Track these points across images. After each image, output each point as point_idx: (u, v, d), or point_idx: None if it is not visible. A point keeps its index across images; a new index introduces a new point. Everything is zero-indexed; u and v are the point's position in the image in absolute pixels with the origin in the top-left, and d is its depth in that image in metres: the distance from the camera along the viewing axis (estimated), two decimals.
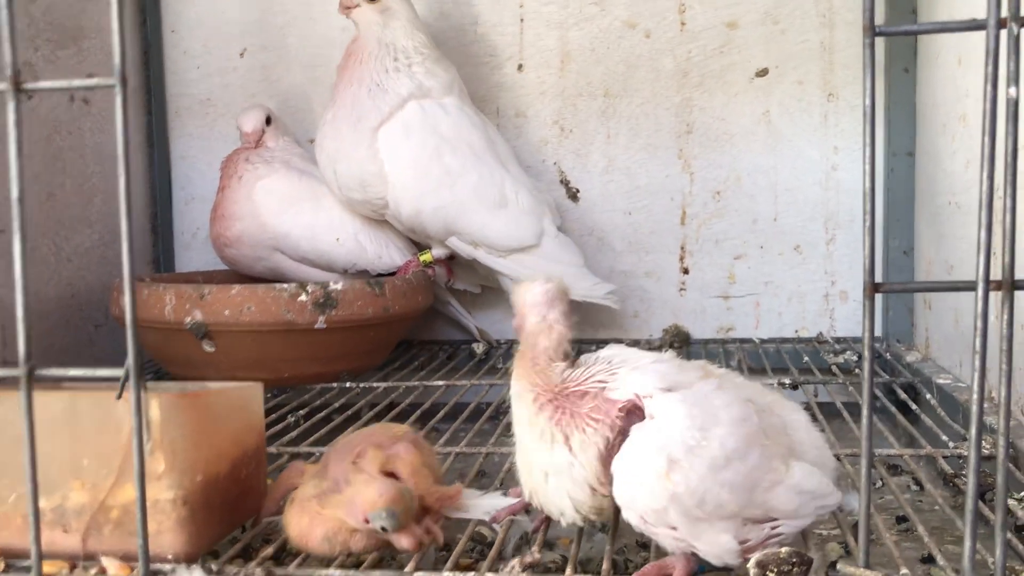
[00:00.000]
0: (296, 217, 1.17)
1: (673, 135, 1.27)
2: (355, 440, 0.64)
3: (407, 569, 0.54)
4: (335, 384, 1.06)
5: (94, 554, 0.56)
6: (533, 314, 0.60)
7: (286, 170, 1.19)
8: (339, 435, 0.85)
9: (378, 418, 0.92)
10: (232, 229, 1.18)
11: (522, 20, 1.29)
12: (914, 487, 0.82)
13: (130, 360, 0.52)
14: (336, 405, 0.98)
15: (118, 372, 0.52)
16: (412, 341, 1.30)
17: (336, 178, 1.15)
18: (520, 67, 1.30)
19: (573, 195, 1.30)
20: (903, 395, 0.98)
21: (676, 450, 0.51)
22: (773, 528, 0.52)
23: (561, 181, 1.30)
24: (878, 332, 1.24)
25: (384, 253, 1.20)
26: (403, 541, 0.57)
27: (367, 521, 0.56)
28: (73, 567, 0.55)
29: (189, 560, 0.55)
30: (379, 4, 1.13)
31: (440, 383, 1.05)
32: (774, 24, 1.24)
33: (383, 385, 1.05)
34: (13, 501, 0.57)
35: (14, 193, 0.52)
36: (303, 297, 0.99)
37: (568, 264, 1.18)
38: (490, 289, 1.29)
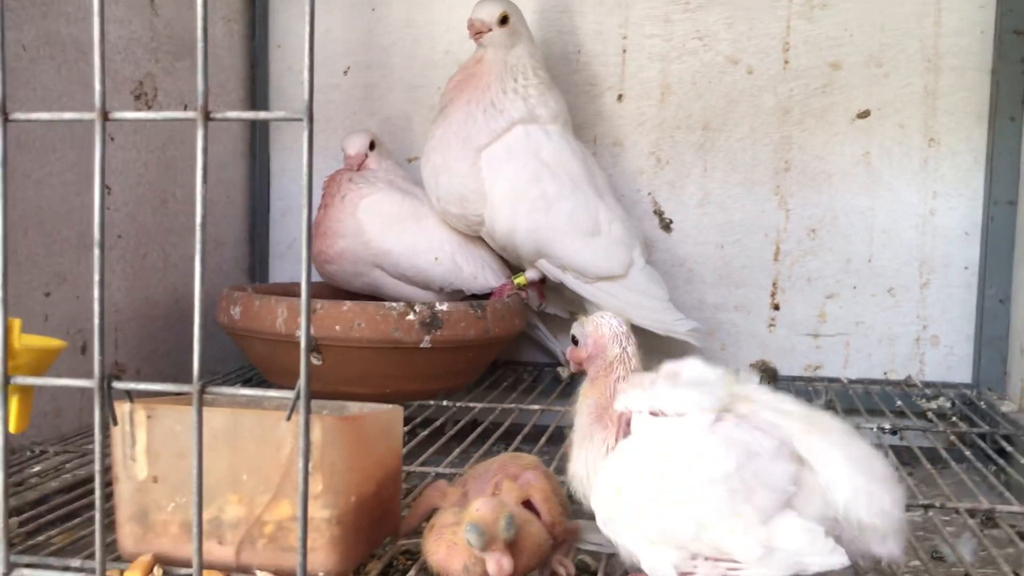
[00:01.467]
0: (398, 236, 1.19)
1: (771, 171, 1.27)
2: (491, 469, 0.65)
3: None
4: (432, 401, 1.08)
5: (247, 567, 0.58)
6: (615, 344, 0.63)
7: (389, 189, 1.22)
8: (445, 453, 0.88)
9: (482, 436, 0.95)
10: (335, 246, 1.20)
11: (624, 51, 1.30)
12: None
13: (301, 383, 0.54)
14: (437, 423, 1.00)
15: (288, 394, 0.55)
16: (498, 361, 1.32)
17: (437, 190, 1.18)
18: (620, 97, 1.31)
19: (666, 226, 1.31)
20: (1005, 445, 0.98)
21: (622, 478, 0.57)
22: (731, 569, 0.53)
23: (655, 211, 1.31)
24: (968, 379, 1.23)
25: (480, 274, 1.21)
26: (489, 564, 0.56)
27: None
28: None
29: None
30: (508, 27, 1.16)
31: (535, 407, 1.07)
32: (877, 67, 1.24)
33: (479, 405, 1.07)
34: (171, 510, 0.59)
35: (197, 219, 0.55)
36: (411, 316, 1.01)
37: (653, 297, 1.20)
38: (577, 316, 1.30)
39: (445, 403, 1.07)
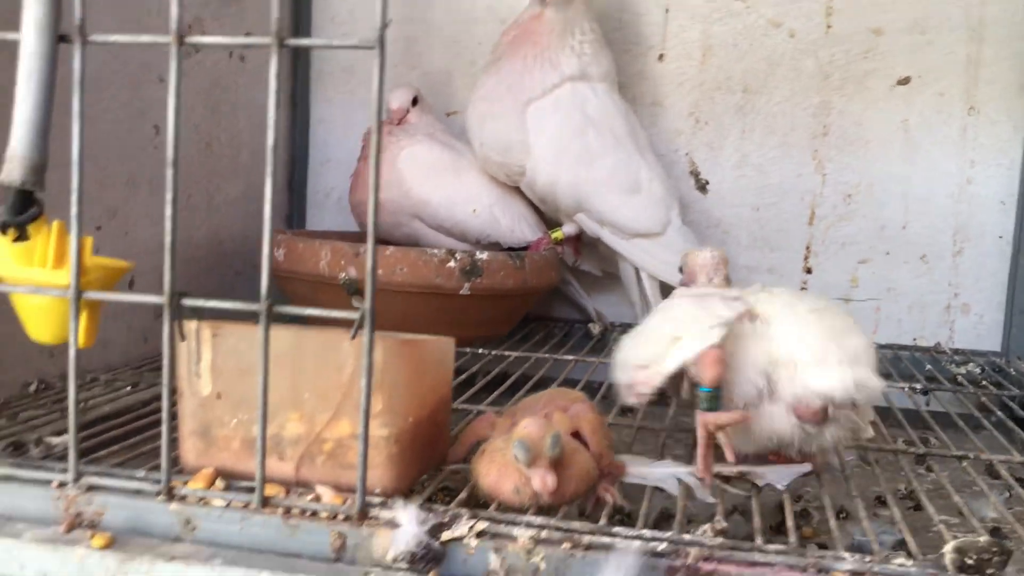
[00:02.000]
0: (437, 187, 1.21)
1: (808, 135, 1.28)
2: (540, 401, 0.67)
3: (601, 521, 0.57)
4: (468, 349, 1.09)
5: (306, 482, 0.60)
6: (702, 275, 0.73)
7: (429, 141, 1.23)
8: (484, 395, 0.90)
9: (516, 384, 0.96)
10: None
11: (667, 11, 1.31)
12: None
13: (367, 304, 0.56)
14: (473, 369, 1.02)
15: (353, 315, 0.56)
16: (529, 316, 1.34)
17: (482, 136, 1.19)
18: (661, 57, 1.32)
19: (702, 186, 1.32)
20: None
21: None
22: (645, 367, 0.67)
23: (691, 172, 1.32)
24: (997, 348, 1.24)
25: (516, 227, 1.23)
26: (534, 478, 0.59)
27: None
28: (287, 492, 0.59)
29: (394, 495, 0.59)
30: None
31: (569, 358, 1.08)
32: (921, 34, 1.24)
33: (513, 354, 1.09)
34: (234, 426, 0.61)
35: (268, 141, 0.57)
36: (452, 263, 1.02)
37: None
38: (609, 274, 1.32)
39: (481, 351, 1.09)
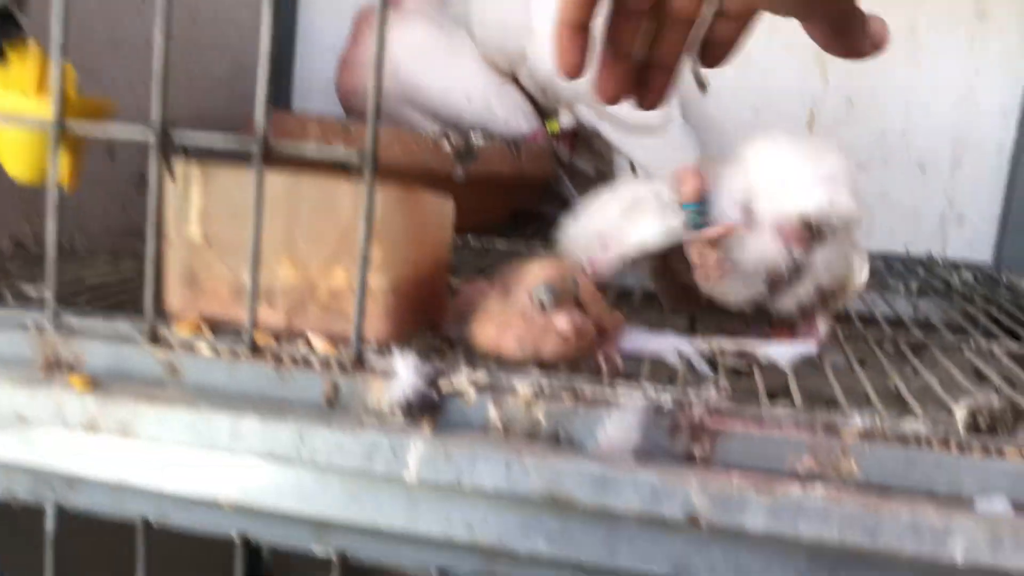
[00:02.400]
0: (431, 70, 1.17)
1: None
2: (533, 268, 0.65)
3: (605, 378, 0.56)
4: (459, 238, 1.07)
5: (298, 332, 0.58)
6: None
7: (424, 23, 1.19)
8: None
9: None
10: (364, 79, 1.18)
11: None
12: None
13: (368, 146, 0.53)
14: (464, 258, 1.00)
15: (353, 155, 0.54)
16: (518, 213, 1.31)
17: (481, 16, 1.14)
18: None
19: (702, 85, 1.28)
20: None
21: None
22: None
23: (691, 70, 1.28)
24: (989, 259, 1.23)
25: (512, 118, 1.19)
26: (561, 321, 0.57)
27: (530, 298, 0.57)
28: (278, 341, 0.57)
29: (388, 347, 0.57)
30: None
31: None
32: None
33: (504, 247, 1.06)
34: (223, 273, 0.58)
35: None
36: (446, 146, 0.99)
37: (686, 155, 1.18)
38: (602, 173, 1.29)
39: (472, 242, 1.06)
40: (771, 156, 0.66)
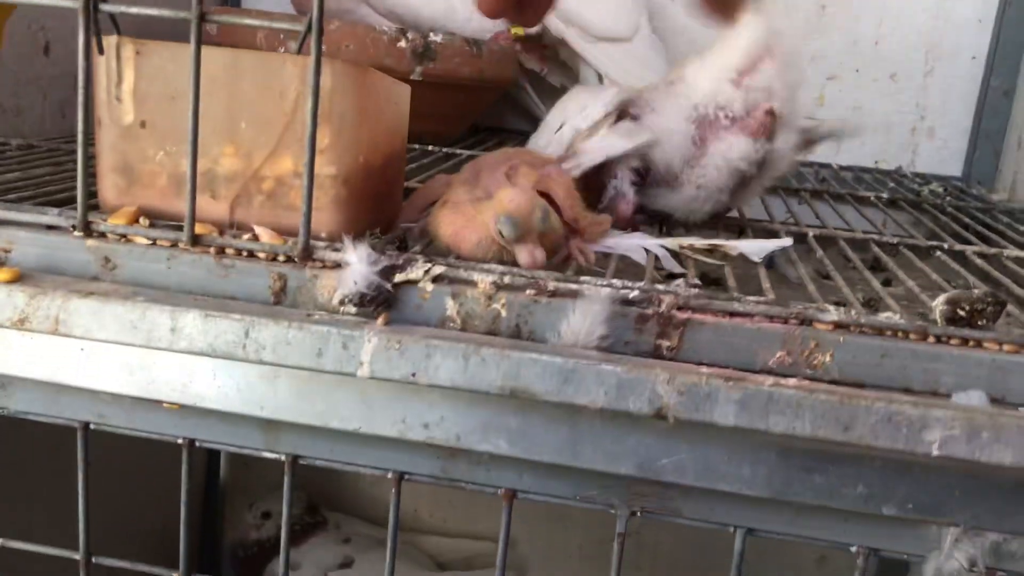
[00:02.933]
0: None
1: None
2: (506, 155, 0.62)
3: (570, 272, 0.53)
4: (416, 145, 1.02)
5: (242, 224, 0.54)
6: None
7: None
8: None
9: None
10: None
11: None
12: None
13: (315, 11, 0.48)
14: (423, 162, 0.96)
15: (297, 26, 0.49)
16: (479, 126, 1.27)
17: None
18: None
19: None
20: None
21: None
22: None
23: None
24: (958, 174, 1.22)
25: (475, 17, 1.14)
26: (522, 254, 0.53)
27: (493, 225, 0.54)
28: (221, 233, 0.53)
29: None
30: None
31: None
32: None
33: (466, 153, 1.02)
34: (159, 160, 0.54)
35: None
36: (402, 43, 0.94)
37: (653, 68, 1.14)
38: (565, 87, 1.25)
39: (430, 148, 1.02)
40: (712, 66, 0.67)
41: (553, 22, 1.12)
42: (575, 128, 0.70)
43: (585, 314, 0.48)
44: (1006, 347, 0.47)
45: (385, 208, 0.60)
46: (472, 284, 0.50)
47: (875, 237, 0.74)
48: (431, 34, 0.96)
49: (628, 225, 0.66)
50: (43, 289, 0.49)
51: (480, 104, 1.10)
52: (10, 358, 0.54)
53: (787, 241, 0.61)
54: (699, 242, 0.62)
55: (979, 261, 0.69)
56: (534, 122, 1.27)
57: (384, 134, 0.58)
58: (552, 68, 1.23)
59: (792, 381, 0.45)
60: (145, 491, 1.05)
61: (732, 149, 0.66)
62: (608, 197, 0.66)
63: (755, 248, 0.60)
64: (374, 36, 0.93)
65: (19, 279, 0.50)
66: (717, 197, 0.69)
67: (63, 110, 0.95)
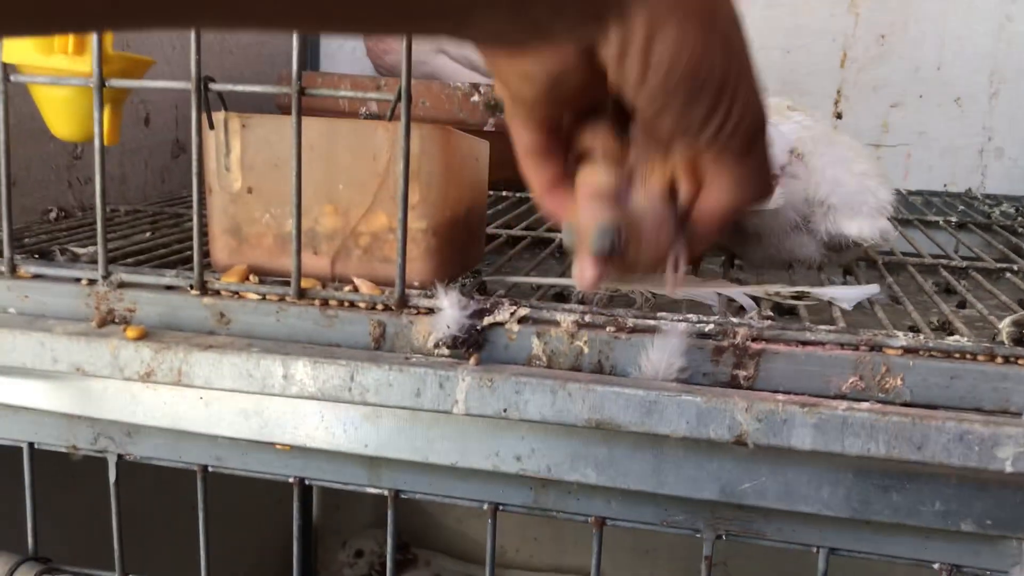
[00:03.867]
0: None
1: None
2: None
3: (647, 308, 0.56)
4: (491, 192, 1.07)
5: (342, 277, 0.59)
6: None
7: None
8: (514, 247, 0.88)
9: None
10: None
11: None
12: None
13: (403, 83, 0.53)
14: (498, 208, 1.00)
15: (388, 96, 0.54)
16: None
17: None
18: None
19: None
20: None
21: None
22: None
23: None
24: None
25: None
26: (575, 268, 0.43)
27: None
28: (324, 286, 0.58)
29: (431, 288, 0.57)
30: None
31: None
32: None
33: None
34: (266, 222, 0.59)
35: None
36: (475, 98, 0.99)
37: None
38: None
39: (504, 193, 1.07)
40: (831, 171, 0.67)
41: None
42: None
43: (663, 348, 0.51)
44: None
45: (470, 254, 0.65)
46: (555, 324, 0.54)
47: (943, 262, 0.76)
48: None
49: (695, 262, 0.69)
50: (166, 344, 0.55)
51: None
52: (137, 408, 0.59)
53: (875, 288, 0.62)
54: (786, 289, 0.63)
55: None
56: None
57: (467, 187, 0.62)
58: None
59: (865, 405, 0.48)
60: (239, 533, 1.10)
61: (808, 248, 0.69)
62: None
63: (845, 295, 0.61)
64: (448, 92, 0.98)
65: (144, 336, 0.56)
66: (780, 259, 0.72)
67: (163, 176, 1.03)
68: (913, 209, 1.11)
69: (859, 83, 1.25)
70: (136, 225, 0.84)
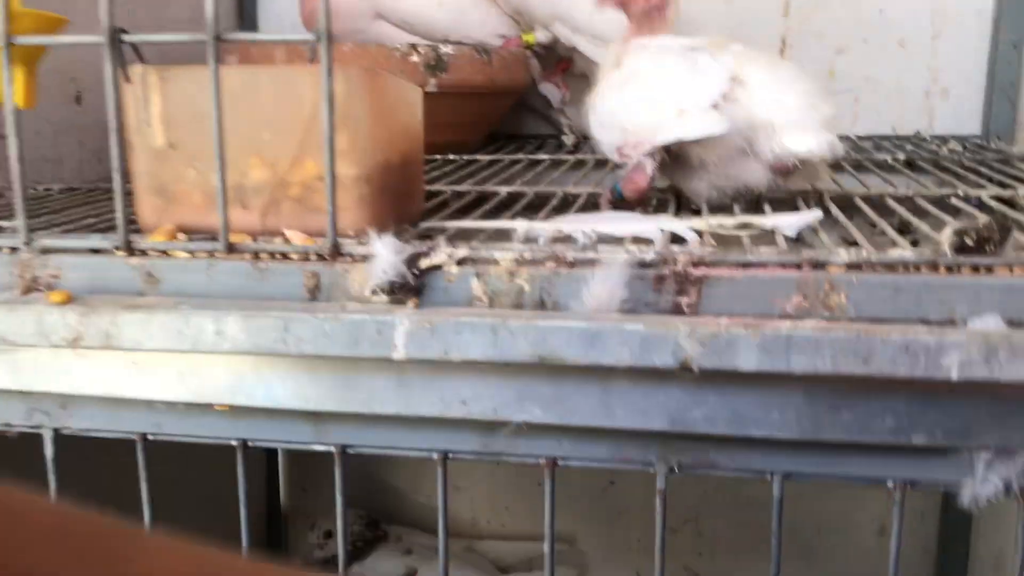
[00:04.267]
0: None
1: None
2: None
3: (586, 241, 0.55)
4: (438, 156, 1.05)
5: (273, 230, 0.57)
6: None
7: None
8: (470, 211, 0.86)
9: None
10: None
11: None
12: None
13: (321, 23, 0.51)
14: (444, 170, 0.98)
15: (308, 36, 0.52)
16: (498, 134, 1.29)
17: None
18: None
19: None
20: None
21: (605, 83, 0.72)
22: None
23: None
24: (977, 131, 1.22)
25: (487, 22, 1.17)
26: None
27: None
28: (255, 240, 0.56)
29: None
30: None
31: (544, 156, 1.04)
32: None
33: (487, 158, 1.05)
34: (192, 178, 0.57)
35: None
36: (415, 58, 0.98)
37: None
38: (582, 81, 1.27)
39: (451, 156, 1.05)
40: (773, 91, 0.66)
41: (562, 32, 1.15)
42: (687, 99, 0.67)
43: (605, 280, 0.50)
44: (1016, 270, 0.48)
45: (408, 204, 0.63)
46: (494, 263, 0.52)
47: (891, 191, 0.75)
48: (441, 46, 0.99)
49: (640, 197, 0.68)
50: (92, 307, 0.53)
51: (496, 111, 1.12)
52: (69, 378, 0.57)
53: (817, 213, 0.61)
54: (729, 220, 0.62)
55: (995, 204, 0.70)
56: (551, 125, 1.31)
57: (400, 134, 0.60)
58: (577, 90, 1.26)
59: (810, 322, 0.47)
60: (201, 508, 1.08)
61: (756, 174, 0.68)
62: (630, 167, 0.68)
63: (788, 222, 0.60)
64: (386, 53, 0.96)
65: (70, 300, 0.54)
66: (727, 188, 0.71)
67: (99, 156, 1.00)
68: (863, 152, 1.11)
69: (803, 31, 1.24)
70: (70, 203, 0.82)
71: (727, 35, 0.84)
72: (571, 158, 1.03)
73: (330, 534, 1.30)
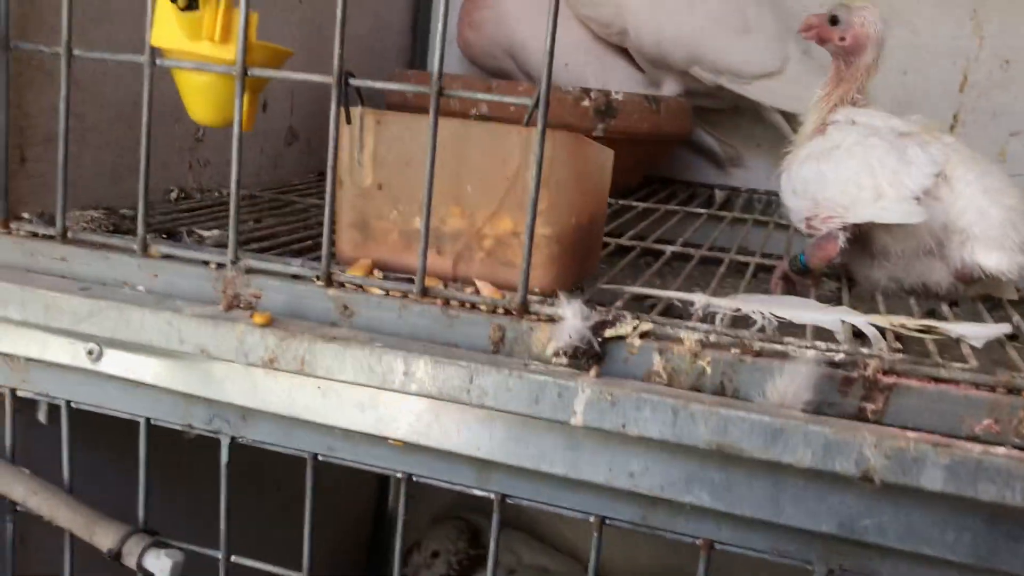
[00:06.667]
0: (537, 30, 1.16)
1: None
2: None
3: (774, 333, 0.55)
4: None
5: (464, 278, 0.59)
6: (875, 49, 0.73)
7: None
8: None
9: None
10: (478, 13, 1.21)
11: None
12: None
13: (541, 88, 0.53)
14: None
15: (526, 100, 0.54)
16: (651, 178, 1.30)
17: None
18: None
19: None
20: None
21: (800, 154, 0.72)
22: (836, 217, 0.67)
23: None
24: None
25: (631, 78, 1.19)
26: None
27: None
28: (446, 285, 0.58)
29: (552, 295, 0.57)
30: None
31: (701, 211, 1.04)
32: None
33: (642, 205, 1.05)
34: (393, 218, 0.60)
35: None
36: (586, 102, 0.99)
37: (812, 86, 1.15)
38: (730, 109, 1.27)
39: (610, 200, 1.06)
40: (976, 200, 0.65)
41: (703, 75, 1.15)
42: (889, 185, 0.66)
43: (792, 376, 0.50)
44: None
45: (588, 262, 0.64)
46: (678, 341, 0.53)
47: None
48: (612, 92, 1.00)
49: (822, 264, 0.67)
50: (291, 333, 0.56)
51: (657, 156, 1.13)
52: (255, 393, 0.60)
53: (1006, 327, 0.60)
54: (911, 322, 0.60)
55: None
56: (705, 173, 1.31)
57: (592, 196, 0.62)
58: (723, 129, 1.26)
59: (1002, 450, 0.46)
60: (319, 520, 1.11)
61: (938, 274, 0.68)
62: (818, 237, 0.67)
63: (976, 333, 0.59)
64: (559, 96, 0.98)
65: (270, 323, 0.57)
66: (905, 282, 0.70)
67: (276, 162, 1.04)
68: None
69: (978, 109, 1.20)
70: (252, 210, 0.86)
71: (899, 115, 0.84)
72: (727, 214, 1.03)
73: (436, 554, 1.32)
